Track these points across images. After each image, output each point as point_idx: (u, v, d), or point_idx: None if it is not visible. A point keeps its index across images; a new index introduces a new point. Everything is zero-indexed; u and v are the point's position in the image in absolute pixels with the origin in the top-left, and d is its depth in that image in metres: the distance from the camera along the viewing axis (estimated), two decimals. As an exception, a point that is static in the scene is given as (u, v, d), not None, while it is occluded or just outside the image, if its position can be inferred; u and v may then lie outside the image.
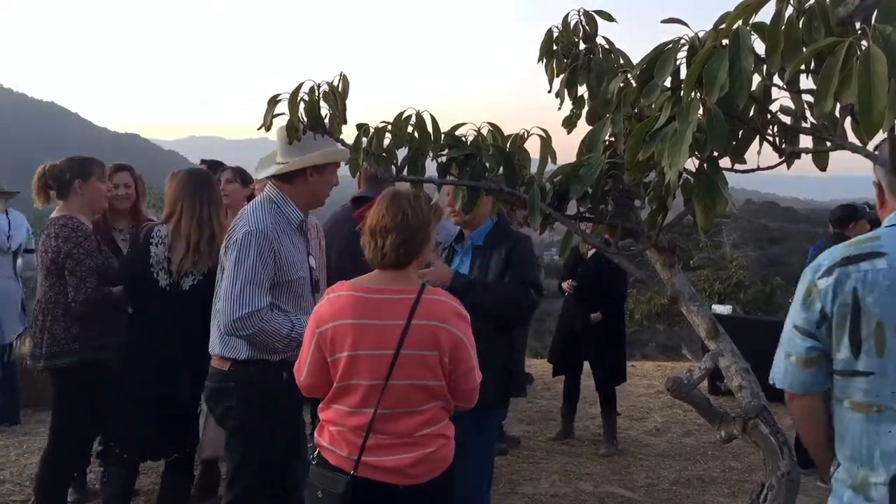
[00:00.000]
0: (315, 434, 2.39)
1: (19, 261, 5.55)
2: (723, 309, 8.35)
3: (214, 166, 4.88)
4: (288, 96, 2.21)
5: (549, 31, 2.38)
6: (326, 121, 2.25)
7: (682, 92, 1.62)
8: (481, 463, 3.33)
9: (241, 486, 2.90)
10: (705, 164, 1.72)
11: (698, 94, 1.60)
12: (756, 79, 1.62)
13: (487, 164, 2.17)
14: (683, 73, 1.67)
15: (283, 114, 2.24)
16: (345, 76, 2.22)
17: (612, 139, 2.06)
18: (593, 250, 5.34)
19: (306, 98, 2.20)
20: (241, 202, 4.26)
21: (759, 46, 1.58)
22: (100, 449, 4.19)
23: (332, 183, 3.04)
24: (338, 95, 2.20)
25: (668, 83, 1.71)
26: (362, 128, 2.20)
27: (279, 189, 2.94)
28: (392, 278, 2.26)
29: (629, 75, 1.96)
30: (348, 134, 2.27)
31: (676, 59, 1.69)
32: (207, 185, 3.49)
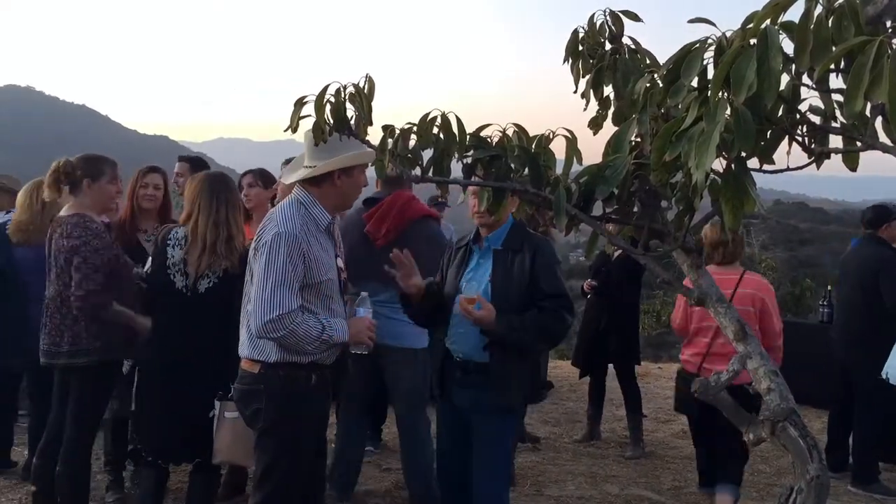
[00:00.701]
0: None
1: None
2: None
3: (197, 163, 4.95)
4: (314, 98, 2.22)
5: (575, 32, 2.37)
6: (352, 122, 2.27)
7: (709, 92, 1.61)
8: (502, 466, 3.33)
9: (270, 488, 2.92)
10: (733, 165, 1.70)
11: (726, 94, 1.58)
12: (785, 78, 1.61)
13: (513, 165, 2.16)
14: (711, 73, 1.65)
15: (310, 115, 2.25)
16: (370, 78, 2.23)
17: (639, 140, 2.05)
18: (619, 252, 5.33)
19: (332, 100, 2.21)
20: (265, 204, 4.30)
21: (788, 46, 1.56)
22: (131, 448, 4.26)
23: (360, 185, 3.05)
24: (363, 97, 2.21)
25: (695, 83, 1.70)
26: (388, 129, 2.21)
27: (307, 191, 2.96)
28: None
29: (656, 75, 1.95)
30: (374, 135, 2.28)
31: (703, 59, 1.68)
32: (225, 187, 3.53)
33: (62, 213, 3.65)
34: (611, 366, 5.85)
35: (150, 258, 3.67)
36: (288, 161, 4.23)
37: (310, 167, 2.94)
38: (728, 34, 1.65)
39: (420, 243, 3.95)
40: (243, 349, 2.96)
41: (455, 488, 3.34)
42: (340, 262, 3.11)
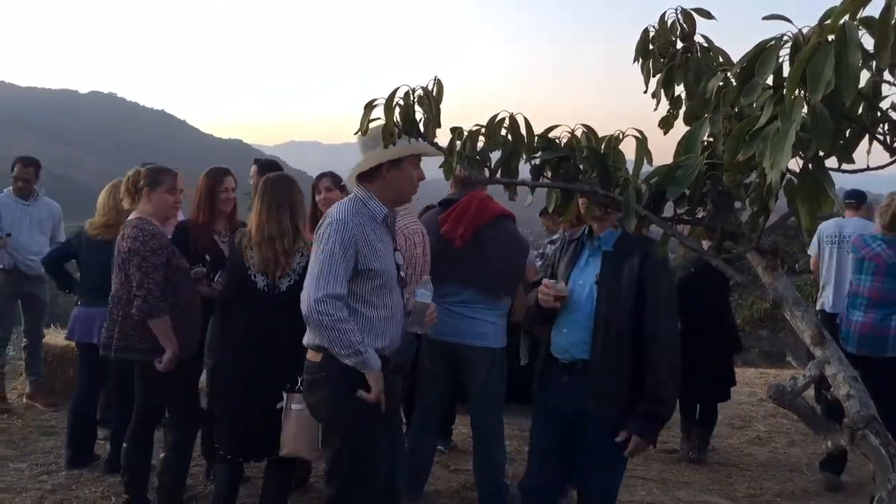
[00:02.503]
0: None
1: None
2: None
3: (269, 165, 5.10)
4: (384, 101, 2.25)
5: (646, 31, 2.34)
6: (421, 125, 2.29)
7: (784, 90, 1.57)
8: (617, 469, 3.19)
9: (340, 480, 2.96)
10: (810, 165, 1.65)
11: (802, 92, 1.54)
12: (864, 75, 1.55)
13: (581, 166, 2.15)
14: (786, 70, 1.61)
15: (379, 118, 2.28)
16: (439, 80, 2.25)
17: (711, 139, 2.01)
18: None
19: (401, 102, 2.24)
20: None
21: (868, 42, 1.51)
22: (206, 446, 4.42)
23: (412, 177, 3.08)
24: (432, 100, 2.23)
25: (770, 81, 1.66)
26: (456, 131, 2.22)
27: (363, 188, 3.05)
28: None
29: (729, 74, 1.91)
30: (442, 137, 2.30)
31: (779, 57, 1.63)
32: (287, 189, 3.65)
33: (129, 217, 3.90)
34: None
35: (227, 260, 3.80)
36: None
37: (359, 165, 3.04)
38: (804, 31, 1.61)
39: (497, 244, 3.96)
40: (307, 338, 3.02)
41: (546, 496, 3.28)
42: (399, 258, 3.16)
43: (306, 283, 2.89)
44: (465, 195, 4.16)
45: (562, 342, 3.19)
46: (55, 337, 6.61)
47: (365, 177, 3.04)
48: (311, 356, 3.02)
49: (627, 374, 3.03)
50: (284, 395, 3.41)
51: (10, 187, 6.14)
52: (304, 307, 2.86)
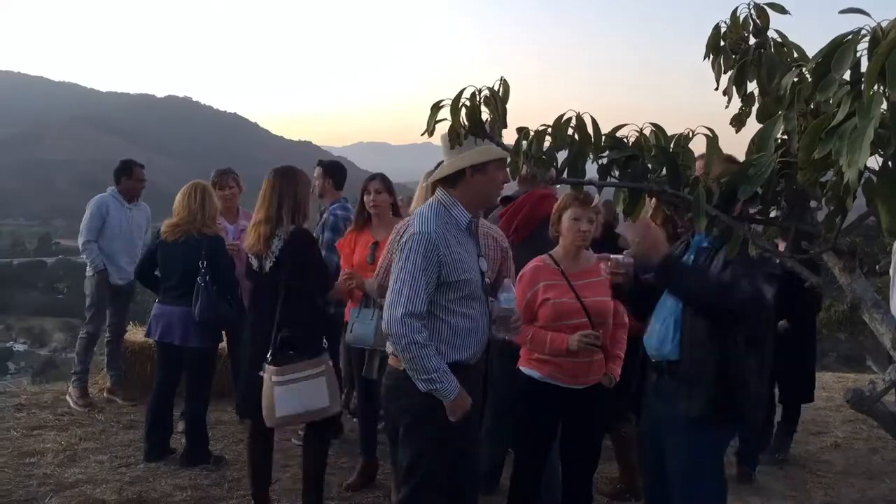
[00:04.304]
0: None
1: None
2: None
3: (332, 167, 5.47)
4: (450, 102, 2.26)
5: (717, 27, 2.29)
6: (487, 125, 2.29)
7: (862, 86, 1.52)
8: (689, 483, 3.00)
9: (414, 484, 2.97)
10: (890, 163, 1.60)
11: (881, 87, 1.49)
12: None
13: (650, 166, 2.12)
14: (864, 66, 1.56)
15: (446, 119, 2.30)
16: (505, 81, 2.25)
17: (785, 137, 1.96)
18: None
19: (468, 103, 2.25)
20: (388, 209, 4.49)
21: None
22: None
23: (497, 181, 3.05)
24: (498, 100, 2.23)
25: (846, 77, 1.61)
26: (522, 131, 2.21)
27: (447, 193, 3.02)
28: None
29: (804, 69, 1.85)
30: (509, 137, 2.30)
31: (856, 51, 1.58)
32: (288, 180, 3.99)
33: None
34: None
35: None
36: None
37: (446, 166, 3.03)
38: (883, 24, 1.56)
39: (551, 242, 3.95)
40: (390, 346, 3.01)
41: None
42: (483, 264, 3.12)
43: (388, 298, 2.89)
44: (525, 192, 4.19)
45: (651, 342, 3.12)
46: (134, 333, 6.84)
47: (448, 181, 3.01)
48: (394, 362, 3.02)
49: (714, 374, 2.87)
50: (264, 365, 3.79)
51: (113, 188, 6.34)
52: (385, 324, 2.89)
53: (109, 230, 6.25)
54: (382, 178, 4.57)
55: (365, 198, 4.49)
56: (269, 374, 3.79)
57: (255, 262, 4.01)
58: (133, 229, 6.39)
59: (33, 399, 6.45)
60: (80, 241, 6.29)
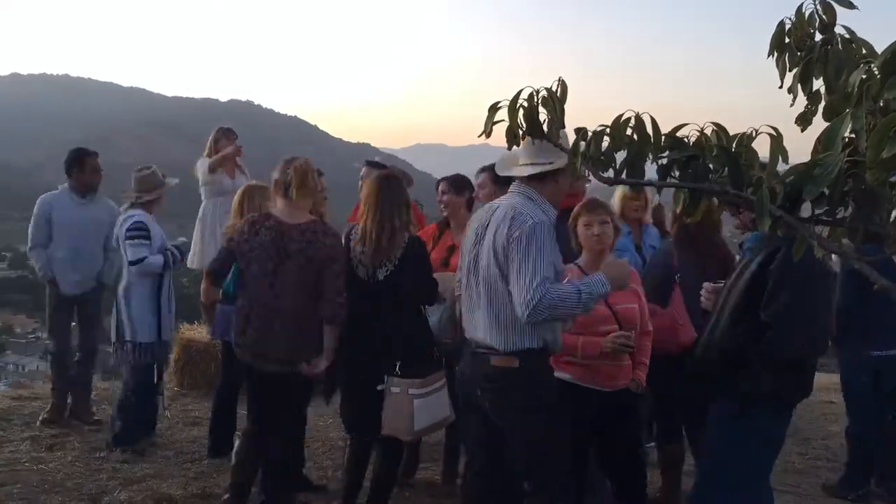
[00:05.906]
0: None
1: None
2: None
3: (376, 167, 5.32)
4: (507, 103, 2.26)
5: (781, 24, 2.23)
6: (545, 126, 2.28)
7: (934, 82, 1.47)
8: (724, 462, 3.20)
9: (538, 479, 3.06)
10: (963, 161, 1.54)
11: (955, 83, 1.44)
12: None
13: (711, 166, 2.08)
14: (936, 61, 1.51)
15: (503, 120, 2.29)
16: (563, 81, 2.24)
17: (853, 136, 1.91)
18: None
19: (525, 104, 2.24)
20: (460, 209, 4.49)
21: None
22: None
23: (567, 187, 3.17)
24: (556, 101, 2.22)
25: (917, 73, 1.56)
26: (580, 132, 2.20)
27: (532, 188, 3.07)
28: None
29: (872, 66, 1.80)
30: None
31: (928, 47, 1.53)
32: (391, 186, 3.88)
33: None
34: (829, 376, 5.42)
35: None
36: (483, 169, 4.40)
37: (543, 163, 3.02)
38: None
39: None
40: (494, 343, 3.05)
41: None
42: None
43: (518, 287, 2.90)
44: None
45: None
46: (199, 332, 6.99)
47: (536, 178, 3.06)
48: (503, 362, 3.04)
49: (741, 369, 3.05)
50: (386, 378, 3.66)
51: (64, 185, 5.54)
52: (519, 308, 2.89)
53: (57, 233, 5.43)
54: (449, 180, 4.63)
55: (437, 198, 4.64)
56: (403, 387, 3.64)
57: (362, 271, 3.84)
58: (90, 229, 5.54)
59: (104, 395, 6.66)
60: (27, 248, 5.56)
